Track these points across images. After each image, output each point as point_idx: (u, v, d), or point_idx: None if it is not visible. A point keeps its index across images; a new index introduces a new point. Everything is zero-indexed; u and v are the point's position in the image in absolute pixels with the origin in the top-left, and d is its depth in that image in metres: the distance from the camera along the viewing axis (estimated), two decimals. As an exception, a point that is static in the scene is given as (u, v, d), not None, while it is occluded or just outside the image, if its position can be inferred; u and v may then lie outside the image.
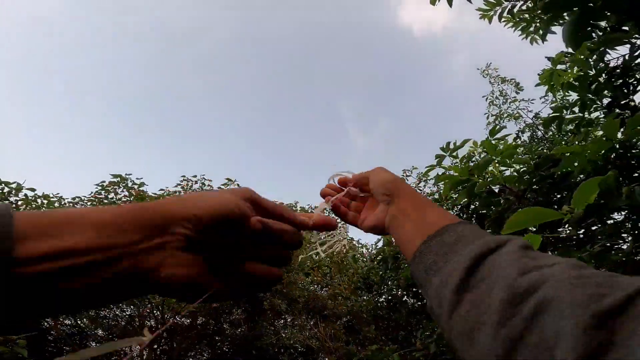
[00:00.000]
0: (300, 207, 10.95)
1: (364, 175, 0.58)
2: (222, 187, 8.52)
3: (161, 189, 7.90)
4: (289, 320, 6.84)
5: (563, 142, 3.48)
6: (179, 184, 8.26)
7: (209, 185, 8.47)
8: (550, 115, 2.07)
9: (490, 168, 1.75)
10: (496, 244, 0.36)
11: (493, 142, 1.66)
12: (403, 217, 0.49)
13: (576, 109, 2.05)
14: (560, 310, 0.26)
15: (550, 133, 5.37)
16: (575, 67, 2.18)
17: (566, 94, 2.18)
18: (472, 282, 0.34)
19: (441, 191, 6.15)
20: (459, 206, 2.35)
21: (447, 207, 2.61)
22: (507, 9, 2.74)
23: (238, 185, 8.62)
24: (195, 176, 8.34)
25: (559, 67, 2.48)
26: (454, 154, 1.76)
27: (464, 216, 2.21)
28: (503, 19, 2.76)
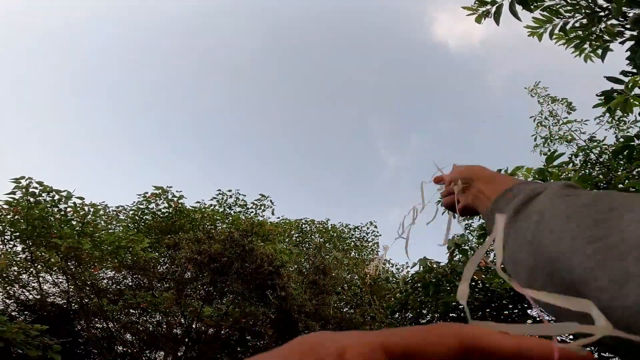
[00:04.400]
0: (332, 224, 10.83)
1: (450, 177, 0.71)
2: (256, 202, 8.62)
3: (197, 202, 8.10)
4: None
5: (622, 169, 3.15)
6: (215, 198, 8.45)
7: (243, 199, 8.59)
8: (621, 145, 1.86)
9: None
10: (544, 187, 0.43)
11: (550, 170, 1.49)
12: (480, 194, 0.60)
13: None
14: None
15: (605, 156, 4.93)
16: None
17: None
18: (517, 217, 0.42)
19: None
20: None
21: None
22: (558, 26, 2.57)
23: (271, 201, 8.67)
24: (230, 190, 8.51)
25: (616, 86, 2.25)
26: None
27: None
28: (554, 37, 2.58)
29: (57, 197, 5.97)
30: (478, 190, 0.61)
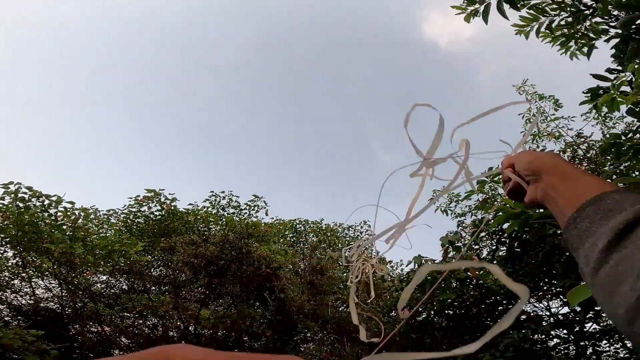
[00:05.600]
0: (326, 224, 10.87)
1: (510, 162, 0.63)
2: (249, 203, 8.62)
3: (190, 204, 8.07)
4: (308, 334, 6.84)
5: (609, 165, 3.23)
6: (207, 199, 8.42)
7: (236, 201, 8.58)
8: (608, 143, 1.92)
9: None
10: None
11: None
12: (552, 191, 0.52)
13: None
14: None
15: (593, 152, 5.03)
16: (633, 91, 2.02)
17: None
18: (621, 244, 0.37)
19: (472, 211, 5.86)
20: (502, 233, 2.20)
21: (489, 231, 2.47)
22: (544, 25, 2.62)
23: (265, 202, 8.68)
24: (223, 192, 8.49)
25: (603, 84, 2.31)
26: (496, 179, 1.64)
27: (509, 243, 2.07)
28: (541, 35, 2.63)
29: (47, 202, 5.89)
30: (550, 186, 0.52)
